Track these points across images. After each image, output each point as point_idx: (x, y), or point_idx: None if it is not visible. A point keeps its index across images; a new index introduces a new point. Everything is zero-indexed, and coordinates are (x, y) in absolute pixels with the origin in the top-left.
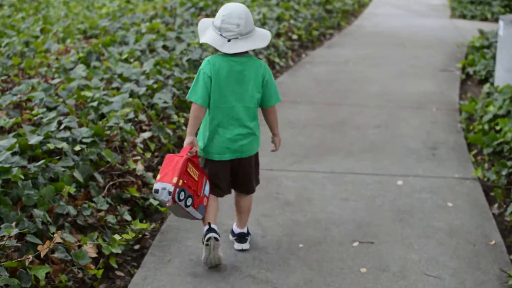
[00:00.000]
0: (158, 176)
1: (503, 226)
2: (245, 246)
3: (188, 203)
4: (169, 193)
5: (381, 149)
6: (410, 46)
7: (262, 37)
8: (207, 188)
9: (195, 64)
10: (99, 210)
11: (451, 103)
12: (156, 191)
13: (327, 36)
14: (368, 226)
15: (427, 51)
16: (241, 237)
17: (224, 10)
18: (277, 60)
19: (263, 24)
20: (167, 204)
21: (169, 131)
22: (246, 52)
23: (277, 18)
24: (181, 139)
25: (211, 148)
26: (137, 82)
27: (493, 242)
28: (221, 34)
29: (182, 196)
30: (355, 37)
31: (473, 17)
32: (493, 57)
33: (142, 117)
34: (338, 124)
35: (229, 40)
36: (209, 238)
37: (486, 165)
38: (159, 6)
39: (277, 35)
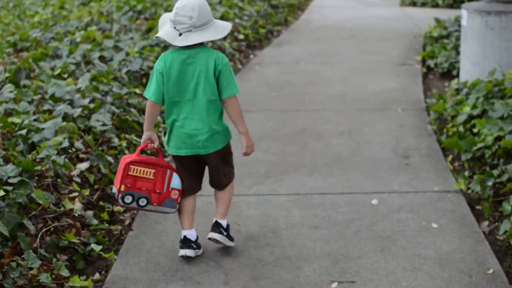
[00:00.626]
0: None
1: (497, 247)
2: (216, 236)
3: (142, 204)
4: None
5: (349, 162)
6: (363, 39)
7: (219, 29)
8: (175, 181)
9: (135, 76)
10: (30, 268)
11: (416, 102)
12: (113, 194)
13: (274, 33)
14: (346, 261)
15: (382, 43)
16: (217, 226)
17: (178, 2)
18: None
19: None
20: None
21: (109, 158)
22: (201, 44)
23: (221, 18)
24: None
25: (171, 143)
26: (71, 102)
27: (490, 270)
28: (174, 27)
29: (128, 199)
30: (304, 33)
31: (423, 4)
32: (455, 48)
33: (78, 144)
34: (298, 134)
35: (180, 34)
36: (182, 256)
37: (466, 173)
38: (95, 11)
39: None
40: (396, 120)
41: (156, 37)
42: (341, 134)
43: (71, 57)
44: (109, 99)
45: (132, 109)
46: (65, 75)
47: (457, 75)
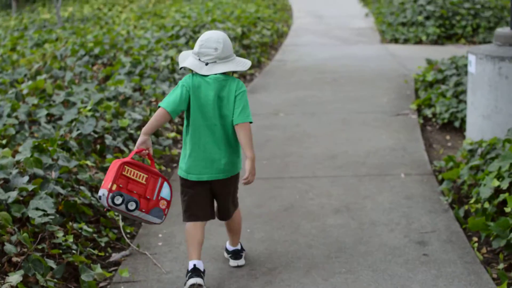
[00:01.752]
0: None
1: None
2: (240, 262)
3: (131, 207)
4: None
5: (353, 253)
6: (347, 83)
7: (241, 63)
8: (164, 191)
9: (87, 141)
10: None
11: (420, 164)
12: (99, 197)
13: (247, 77)
14: None
15: (369, 88)
16: (236, 254)
17: (202, 36)
18: None
19: (171, 72)
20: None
21: (51, 262)
22: (224, 74)
23: None
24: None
25: (190, 169)
26: (6, 182)
27: None
28: (199, 59)
29: (118, 200)
30: (281, 76)
31: (406, 41)
32: (455, 96)
33: (9, 247)
34: (285, 212)
35: (206, 64)
36: (193, 285)
37: (501, 266)
38: (49, 54)
39: None
40: (400, 190)
41: (181, 68)
42: (337, 212)
43: (14, 115)
44: (53, 175)
45: (82, 188)
46: (3, 141)
47: (460, 127)
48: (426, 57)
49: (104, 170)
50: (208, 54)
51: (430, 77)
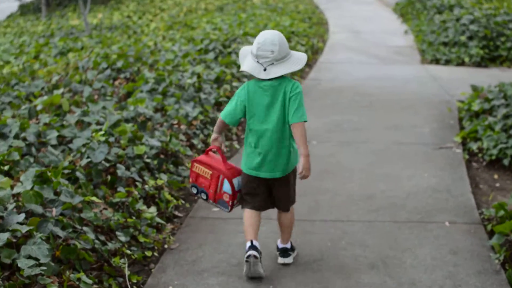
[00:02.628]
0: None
1: None
2: (287, 260)
3: (203, 197)
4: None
5: None
6: (385, 107)
7: (297, 61)
8: (226, 186)
9: (97, 171)
10: None
11: (467, 209)
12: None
13: None
14: None
15: (409, 115)
16: (284, 252)
17: (259, 37)
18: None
19: (197, 90)
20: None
21: None
22: (281, 76)
23: (216, 80)
24: None
25: (248, 164)
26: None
27: None
28: (258, 61)
29: (194, 190)
30: (314, 97)
31: (447, 62)
32: (505, 130)
33: None
34: (315, 265)
35: (265, 69)
36: (249, 256)
37: None
38: (71, 64)
39: (217, 104)
40: (445, 242)
41: (240, 71)
42: (373, 267)
43: (22, 136)
44: (54, 212)
45: (86, 229)
46: (5, 167)
47: (510, 165)
48: (469, 80)
49: (114, 205)
50: (265, 56)
51: (476, 107)
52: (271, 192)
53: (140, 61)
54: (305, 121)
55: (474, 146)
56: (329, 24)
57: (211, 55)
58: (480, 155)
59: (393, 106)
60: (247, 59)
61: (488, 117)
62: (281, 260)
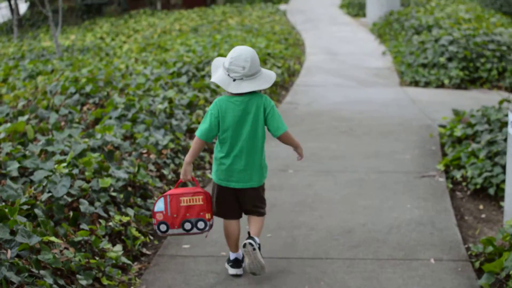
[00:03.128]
0: (207, 215)
1: None
2: (251, 241)
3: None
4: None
5: None
6: (364, 134)
7: (266, 79)
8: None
9: (59, 206)
10: None
11: (452, 244)
12: (211, 226)
13: None
14: None
15: (389, 142)
16: (249, 237)
17: (232, 52)
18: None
19: (168, 116)
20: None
21: None
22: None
23: (188, 105)
24: None
25: (220, 176)
26: None
27: None
28: (228, 75)
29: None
30: (290, 123)
31: (427, 84)
32: (489, 157)
33: None
34: None
35: (234, 80)
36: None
37: None
38: (40, 88)
39: (189, 131)
40: (431, 283)
41: (211, 81)
42: None
43: None
44: (9, 254)
45: (43, 272)
46: None
47: (496, 194)
48: (449, 103)
49: (75, 244)
50: (236, 71)
51: (458, 132)
52: (240, 201)
53: (110, 85)
54: (286, 130)
55: (457, 175)
56: (306, 45)
57: (183, 79)
58: (464, 183)
59: (373, 131)
60: (218, 71)
61: (472, 144)
62: (246, 241)
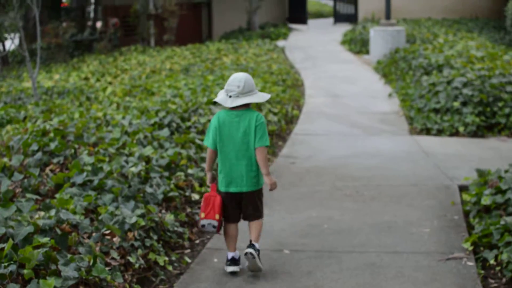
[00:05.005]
0: (202, 214)
1: None
2: (251, 250)
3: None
4: (214, 226)
5: None
6: (373, 198)
7: (260, 96)
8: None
9: None
10: None
11: None
12: (203, 225)
13: None
14: None
15: (402, 208)
16: (250, 246)
17: (230, 77)
18: (160, 260)
19: (143, 181)
20: (211, 232)
21: None
22: (247, 106)
23: (168, 166)
24: None
25: (222, 182)
26: None
27: None
28: (227, 94)
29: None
30: (286, 183)
31: (439, 132)
32: None
33: None
34: None
35: (230, 97)
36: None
37: None
38: (6, 141)
39: (166, 200)
40: None
41: (213, 101)
42: None
43: None
44: None
45: None
46: None
47: None
48: (467, 155)
49: None
50: (232, 90)
51: (487, 200)
52: (240, 206)
53: (80, 141)
54: (266, 146)
55: (490, 257)
56: (305, 86)
57: (165, 132)
58: (498, 268)
59: (383, 195)
60: (220, 95)
61: (504, 216)
62: (247, 250)
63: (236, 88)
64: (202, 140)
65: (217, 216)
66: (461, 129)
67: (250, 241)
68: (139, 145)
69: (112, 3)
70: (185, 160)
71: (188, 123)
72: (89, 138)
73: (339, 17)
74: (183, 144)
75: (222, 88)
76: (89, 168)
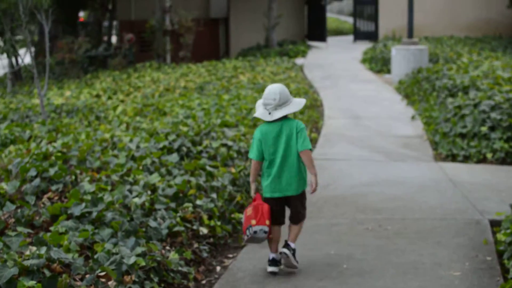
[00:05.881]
0: (253, 221)
1: None
2: (285, 250)
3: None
4: (265, 232)
5: None
6: (397, 233)
7: (296, 105)
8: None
9: None
10: None
11: None
12: (255, 232)
13: None
14: None
15: (429, 246)
16: (285, 245)
17: (265, 90)
18: None
19: (147, 213)
20: (262, 238)
21: None
22: (285, 116)
23: (175, 196)
24: None
25: (267, 188)
26: None
27: None
28: (265, 108)
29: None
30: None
31: (466, 158)
32: None
33: None
34: None
35: (269, 113)
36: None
37: None
38: (6, 163)
39: (171, 235)
40: None
41: (254, 116)
42: None
43: None
44: None
45: None
46: None
47: None
48: (497, 185)
49: None
50: (269, 103)
51: None
52: (285, 208)
53: (81, 167)
54: (310, 149)
55: None
56: (325, 106)
57: (174, 157)
58: None
59: (408, 230)
60: (259, 108)
61: None
62: (281, 249)
63: (272, 101)
64: (213, 166)
65: (267, 222)
66: (489, 155)
67: (286, 241)
68: (146, 171)
69: (128, 18)
70: (194, 190)
71: (200, 148)
72: (93, 163)
73: (359, 35)
74: (193, 171)
75: (236, 109)
76: (89, 197)
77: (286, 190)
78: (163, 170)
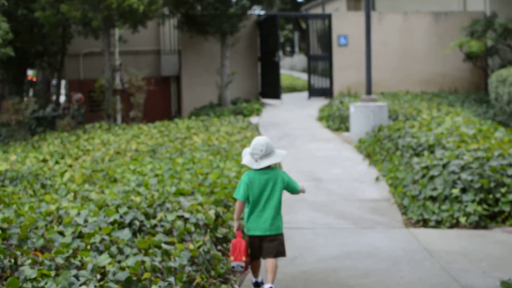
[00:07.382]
0: (232, 258)
1: None
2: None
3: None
4: (242, 266)
5: None
6: None
7: (278, 155)
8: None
9: None
10: None
11: None
12: (233, 267)
13: None
14: None
15: None
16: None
17: (253, 141)
18: None
19: None
20: (239, 272)
21: None
22: (269, 166)
23: (127, 281)
24: None
25: (249, 227)
26: None
27: None
28: (252, 157)
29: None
30: None
31: (438, 223)
32: None
33: None
34: None
35: (256, 161)
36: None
37: None
38: None
39: None
40: None
41: (242, 163)
42: None
43: None
44: None
45: None
46: None
47: None
48: (474, 252)
49: None
50: (256, 153)
51: None
52: (262, 246)
53: (25, 245)
54: (299, 188)
55: None
56: (283, 168)
57: (126, 234)
58: None
59: None
60: (246, 156)
61: None
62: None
63: (259, 151)
64: (168, 243)
65: (243, 258)
66: (462, 219)
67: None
68: (94, 251)
69: (77, 77)
70: (149, 273)
71: (154, 221)
72: (35, 242)
73: (313, 91)
74: (147, 250)
75: (192, 174)
76: (30, 286)
77: (266, 229)
78: (113, 248)
